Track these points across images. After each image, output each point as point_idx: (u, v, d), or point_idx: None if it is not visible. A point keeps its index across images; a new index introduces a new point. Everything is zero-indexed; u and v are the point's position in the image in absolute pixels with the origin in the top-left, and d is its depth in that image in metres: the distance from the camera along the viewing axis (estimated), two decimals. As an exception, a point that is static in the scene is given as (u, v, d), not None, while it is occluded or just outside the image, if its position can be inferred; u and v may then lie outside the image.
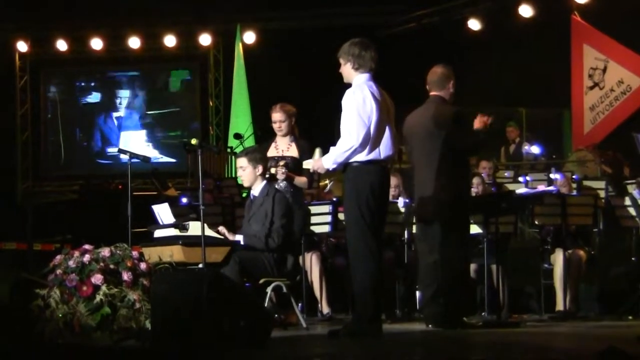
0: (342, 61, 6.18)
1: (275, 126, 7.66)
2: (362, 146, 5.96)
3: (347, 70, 6.16)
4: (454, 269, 6.68)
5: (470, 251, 8.08)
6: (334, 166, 6.12)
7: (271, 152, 7.64)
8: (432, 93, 6.94)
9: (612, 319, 7.95)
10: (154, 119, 16.25)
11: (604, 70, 12.76)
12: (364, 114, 5.97)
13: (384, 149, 6.05)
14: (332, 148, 6.09)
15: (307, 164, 6.42)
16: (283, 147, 7.66)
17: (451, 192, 6.68)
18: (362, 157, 6.00)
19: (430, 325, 6.75)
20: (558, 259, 8.16)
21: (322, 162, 6.16)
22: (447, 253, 6.66)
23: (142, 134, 16.23)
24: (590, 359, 4.26)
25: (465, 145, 6.81)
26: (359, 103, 5.98)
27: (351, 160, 6.02)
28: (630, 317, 7.84)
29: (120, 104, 16.28)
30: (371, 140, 5.99)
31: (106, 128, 16.26)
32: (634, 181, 9.21)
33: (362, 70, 6.10)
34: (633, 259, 8.40)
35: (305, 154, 7.41)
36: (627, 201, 8.22)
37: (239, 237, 6.92)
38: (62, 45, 15.50)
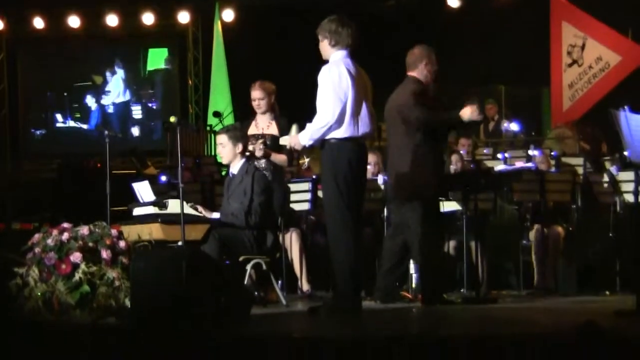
0: (320, 37, 6.18)
1: (254, 104, 7.64)
2: (337, 123, 5.97)
3: (325, 46, 6.16)
4: (429, 247, 6.74)
5: (447, 228, 8.15)
6: (310, 142, 6.13)
7: (251, 130, 7.62)
8: (407, 73, 6.99)
9: (589, 294, 8.02)
10: (132, 96, 16.16)
11: (583, 47, 12.80)
12: (339, 90, 5.97)
13: (361, 125, 6.06)
14: (308, 124, 6.10)
15: (284, 140, 6.44)
16: (263, 125, 7.64)
17: (419, 173, 6.70)
18: (339, 134, 6.01)
19: (378, 302, 6.86)
20: (536, 235, 8.20)
21: (299, 138, 6.18)
22: (421, 233, 6.71)
23: (121, 112, 16.15)
24: (569, 334, 4.29)
25: (419, 121, 6.74)
26: (334, 79, 5.98)
27: (328, 137, 6.03)
28: (607, 293, 7.91)
29: (98, 82, 16.18)
30: (348, 117, 6.00)
31: (85, 106, 16.17)
32: (611, 157, 9.27)
33: (339, 47, 6.10)
34: (610, 234, 8.46)
35: (285, 131, 7.37)
36: (605, 177, 8.27)
37: (216, 215, 6.91)
38: (39, 23, 15.35)
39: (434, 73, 6.96)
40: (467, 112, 6.76)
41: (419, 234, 6.71)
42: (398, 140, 6.81)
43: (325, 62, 6.17)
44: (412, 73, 6.96)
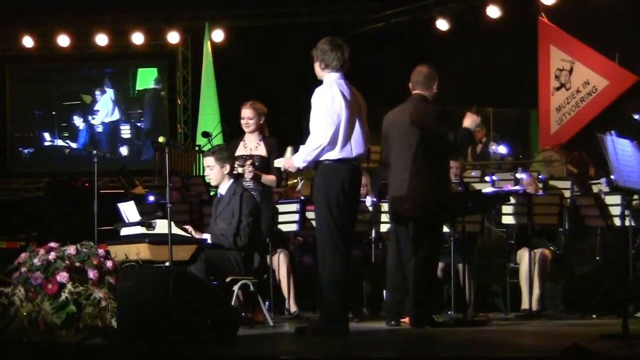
0: (314, 59, 6.20)
1: (242, 122, 7.65)
2: (330, 144, 5.97)
3: (317, 68, 6.18)
4: (425, 269, 6.73)
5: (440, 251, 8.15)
6: (304, 164, 6.12)
7: (240, 151, 7.62)
8: (415, 92, 6.96)
9: (576, 317, 8.03)
10: (121, 116, 16.16)
11: (570, 71, 12.88)
12: (332, 112, 5.98)
13: (355, 147, 6.06)
14: (301, 147, 6.10)
15: (279, 163, 6.41)
16: (251, 145, 7.65)
17: (429, 192, 6.72)
18: (333, 155, 6.00)
19: (393, 323, 6.82)
20: (524, 258, 8.22)
21: (293, 160, 6.16)
22: (419, 253, 6.70)
23: (110, 131, 16.14)
24: (555, 356, 4.30)
25: (455, 142, 6.78)
26: (327, 101, 5.99)
27: (322, 159, 6.02)
28: (593, 316, 7.92)
29: (87, 101, 16.18)
30: (341, 139, 6.00)
31: (73, 125, 16.16)
32: (598, 181, 9.30)
33: (330, 69, 6.11)
34: (597, 258, 8.48)
35: (274, 152, 7.40)
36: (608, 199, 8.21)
37: (207, 236, 6.90)
38: (28, 41, 15.36)
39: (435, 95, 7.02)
40: (467, 120, 6.83)
41: (418, 255, 6.71)
42: (406, 159, 6.75)
43: (318, 82, 6.18)
44: (422, 92, 6.92)
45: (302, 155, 6.07)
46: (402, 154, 6.82)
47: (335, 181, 5.99)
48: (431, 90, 6.93)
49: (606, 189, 8.26)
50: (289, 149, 6.30)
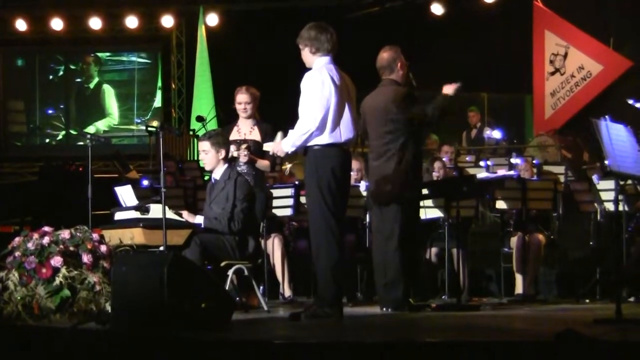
0: (301, 47, 6.19)
1: (239, 107, 7.63)
2: (319, 129, 5.98)
3: (306, 54, 6.17)
4: (400, 252, 6.72)
5: (429, 235, 8.16)
6: (293, 149, 6.14)
7: (233, 136, 7.61)
8: (384, 77, 6.98)
9: (569, 302, 8.06)
10: (116, 100, 16.11)
11: (565, 56, 12.88)
12: (322, 97, 5.98)
13: (345, 132, 6.07)
14: (290, 131, 6.11)
15: (268, 147, 6.44)
16: (245, 130, 7.64)
17: (404, 176, 6.72)
18: (323, 140, 6.01)
19: (386, 309, 6.80)
20: (518, 242, 8.23)
21: (282, 145, 6.18)
22: (394, 237, 6.70)
23: (104, 115, 16.09)
24: (548, 341, 4.31)
25: (426, 115, 6.76)
26: (317, 86, 5.99)
27: (312, 144, 6.03)
28: (587, 301, 7.95)
29: (81, 85, 16.12)
30: (331, 124, 6.00)
31: (67, 110, 16.11)
32: (593, 166, 9.32)
33: (320, 54, 6.11)
34: (591, 243, 8.50)
35: (268, 137, 7.39)
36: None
37: (200, 219, 6.90)
38: (21, 25, 15.28)
39: (404, 73, 6.98)
40: (450, 88, 6.83)
41: (392, 239, 6.71)
42: (380, 144, 6.79)
43: (310, 69, 6.17)
44: (389, 76, 6.91)
45: (291, 140, 6.08)
46: (376, 139, 6.85)
47: (326, 166, 6.00)
48: (397, 73, 6.91)
49: (597, 182, 8.26)
50: (279, 134, 6.32)
